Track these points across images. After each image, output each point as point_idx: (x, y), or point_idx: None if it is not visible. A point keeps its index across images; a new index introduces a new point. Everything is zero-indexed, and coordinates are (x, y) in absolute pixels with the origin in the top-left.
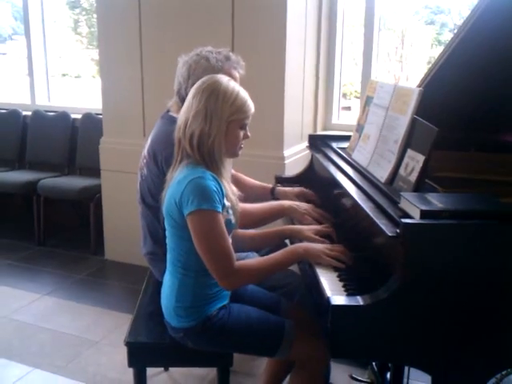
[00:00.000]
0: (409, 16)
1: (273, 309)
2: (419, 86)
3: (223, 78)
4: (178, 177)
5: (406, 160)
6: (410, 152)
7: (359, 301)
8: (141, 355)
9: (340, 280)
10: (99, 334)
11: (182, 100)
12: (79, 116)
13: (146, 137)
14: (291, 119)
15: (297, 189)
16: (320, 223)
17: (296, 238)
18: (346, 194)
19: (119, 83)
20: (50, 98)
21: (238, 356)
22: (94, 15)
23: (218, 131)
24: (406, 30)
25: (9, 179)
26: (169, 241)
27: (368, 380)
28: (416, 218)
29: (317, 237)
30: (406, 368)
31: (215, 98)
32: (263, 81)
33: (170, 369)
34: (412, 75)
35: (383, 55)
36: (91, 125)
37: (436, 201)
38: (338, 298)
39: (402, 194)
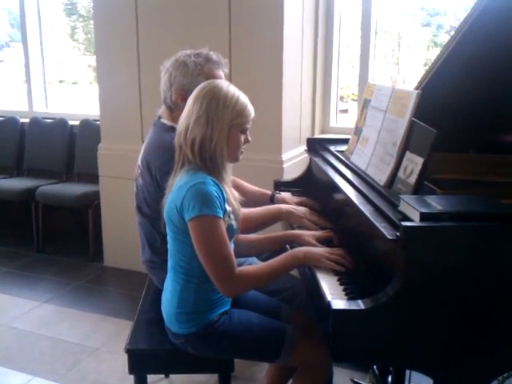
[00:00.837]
0: (405, 18)
1: (273, 314)
2: (417, 88)
3: (223, 83)
4: (178, 183)
5: (404, 162)
6: (408, 154)
7: (360, 305)
8: (141, 362)
9: (340, 284)
10: (99, 341)
11: (169, 108)
12: (77, 122)
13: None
14: (289, 123)
15: (298, 198)
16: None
17: (296, 242)
18: (346, 198)
19: (117, 89)
20: (47, 104)
21: (238, 361)
22: (91, 22)
23: (220, 136)
24: (403, 33)
25: (7, 186)
26: (170, 246)
27: (369, 383)
28: (416, 221)
29: (317, 242)
30: (408, 371)
31: (216, 102)
32: (261, 85)
33: (171, 375)
34: (409, 77)
35: (380, 58)
36: (89, 131)
37: (435, 203)
38: (339, 303)
39: (401, 196)
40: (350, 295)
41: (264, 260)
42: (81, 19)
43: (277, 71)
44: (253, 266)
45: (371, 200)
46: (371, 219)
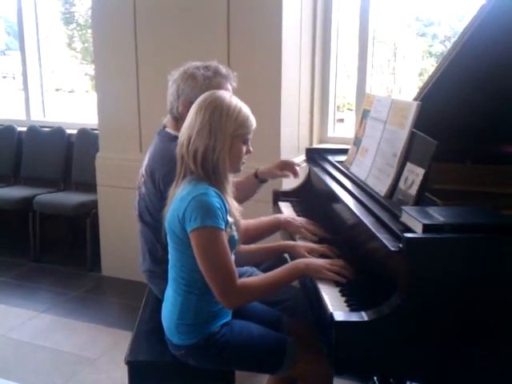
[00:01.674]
0: (401, 28)
1: (274, 325)
2: (416, 98)
3: (225, 94)
4: (180, 193)
5: (405, 173)
6: (409, 165)
7: (363, 316)
8: (142, 374)
9: (342, 295)
10: (97, 352)
11: (175, 118)
12: (74, 131)
13: (143, 152)
14: (287, 132)
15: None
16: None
17: (289, 253)
18: (346, 208)
19: (115, 98)
20: (45, 113)
21: (239, 373)
22: (89, 30)
23: (223, 146)
24: (398, 43)
25: (4, 195)
26: (171, 257)
27: None
28: (418, 232)
29: (308, 254)
30: (409, 382)
31: (219, 113)
32: (259, 94)
33: None
34: (404, 87)
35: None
36: (87, 140)
37: (437, 214)
38: (342, 314)
39: (403, 207)
40: (352, 307)
41: (264, 271)
42: (78, 28)
43: (275, 81)
44: (254, 277)
45: (372, 211)
46: (373, 230)
